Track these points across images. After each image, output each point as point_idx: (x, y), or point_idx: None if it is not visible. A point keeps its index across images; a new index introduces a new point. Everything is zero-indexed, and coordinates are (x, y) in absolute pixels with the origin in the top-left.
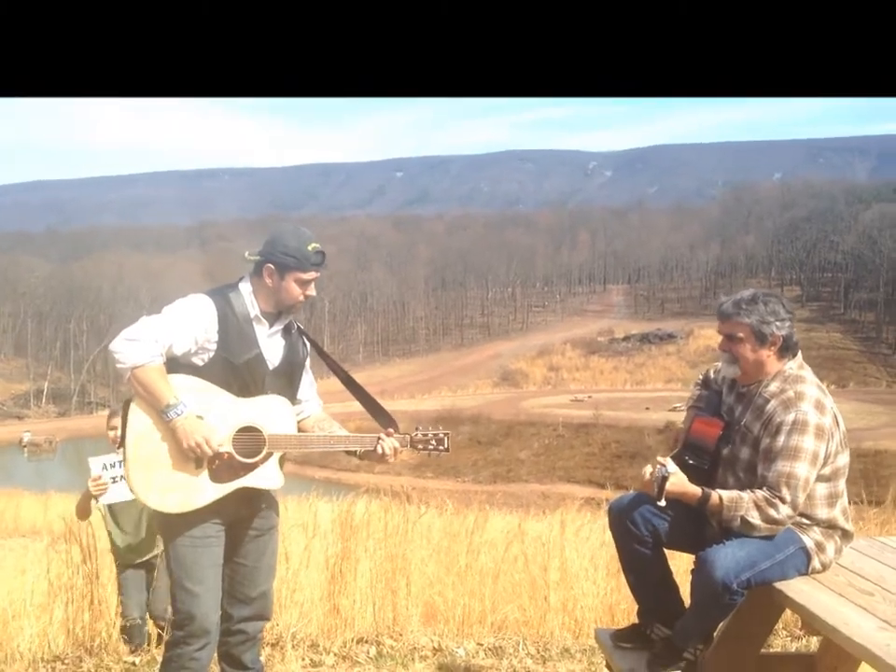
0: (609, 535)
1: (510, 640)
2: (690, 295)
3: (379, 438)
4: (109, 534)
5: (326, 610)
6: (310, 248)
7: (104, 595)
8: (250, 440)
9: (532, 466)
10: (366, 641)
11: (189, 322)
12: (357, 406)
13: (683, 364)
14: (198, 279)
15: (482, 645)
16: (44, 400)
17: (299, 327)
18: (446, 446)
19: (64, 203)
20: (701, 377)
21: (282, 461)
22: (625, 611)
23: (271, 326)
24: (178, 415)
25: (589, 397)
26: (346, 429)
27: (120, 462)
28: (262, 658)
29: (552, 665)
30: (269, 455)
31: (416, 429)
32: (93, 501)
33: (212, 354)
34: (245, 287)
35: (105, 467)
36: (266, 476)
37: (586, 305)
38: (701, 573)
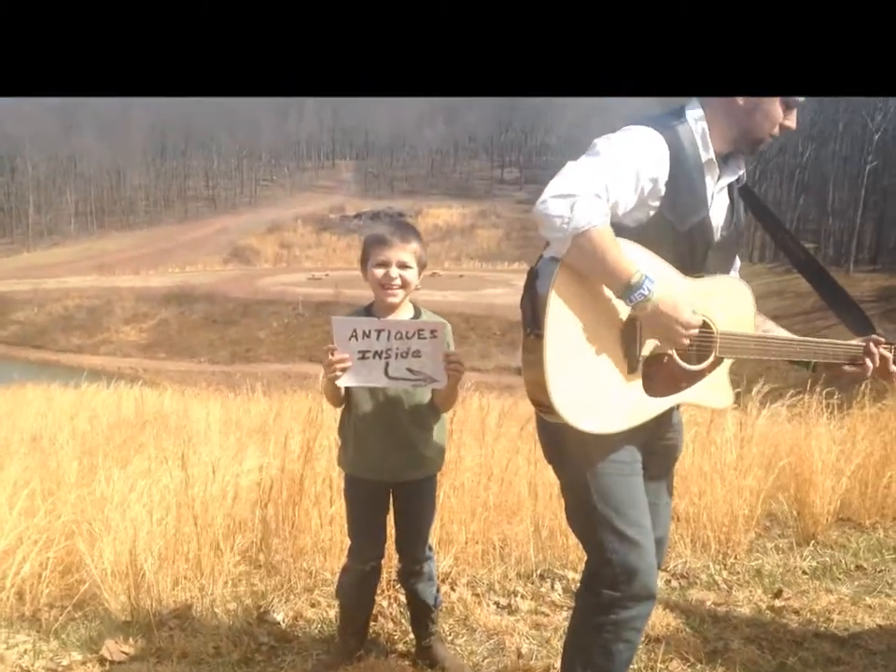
0: None
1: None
2: (417, 174)
3: (868, 345)
4: (343, 439)
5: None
6: None
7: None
8: (697, 339)
9: (272, 345)
10: None
11: (637, 169)
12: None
13: None
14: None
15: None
16: None
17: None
18: None
19: None
20: None
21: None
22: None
23: (719, 177)
24: (647, 295)
25: (326, 275)
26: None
27: (380, 331)
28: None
29: None
30: (717, 361)
31: None
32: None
33: (651, 213)
34: (695, 115)
35: (354, 334)
36: (713, 390)
37: (315, 181)
38: None
